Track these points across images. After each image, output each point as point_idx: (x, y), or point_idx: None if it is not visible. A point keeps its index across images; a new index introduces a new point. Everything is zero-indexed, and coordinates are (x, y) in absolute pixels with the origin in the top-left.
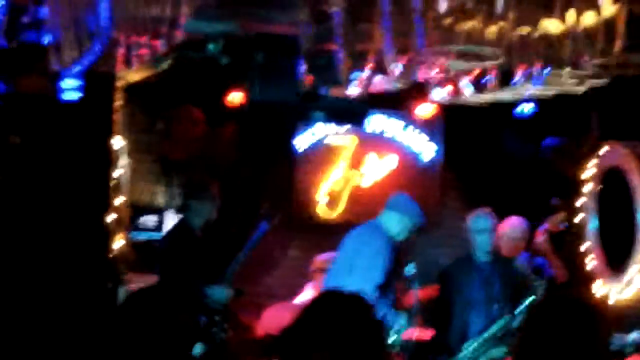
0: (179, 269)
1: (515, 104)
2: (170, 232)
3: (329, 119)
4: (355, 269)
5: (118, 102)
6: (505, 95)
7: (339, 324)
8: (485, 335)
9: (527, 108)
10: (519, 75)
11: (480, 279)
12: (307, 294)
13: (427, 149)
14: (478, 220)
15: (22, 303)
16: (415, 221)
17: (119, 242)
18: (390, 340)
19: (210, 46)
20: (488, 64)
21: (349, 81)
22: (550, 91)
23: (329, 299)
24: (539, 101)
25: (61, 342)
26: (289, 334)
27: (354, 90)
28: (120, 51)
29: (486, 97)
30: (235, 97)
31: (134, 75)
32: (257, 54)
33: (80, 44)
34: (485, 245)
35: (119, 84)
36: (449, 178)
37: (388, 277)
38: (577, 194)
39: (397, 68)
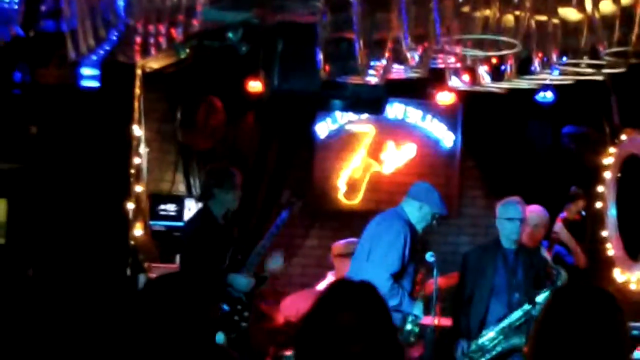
0: (200, 258)
1: (535, 91)
2: (191, 220)
3: (348, 107)
4: (372, 256)
5: (137, 91)
6: (522, 83)
7: (350, 314)
8: (505, 323)
9: (547, 95)
10: (536, 64)
11: (504, 267)
12: (328, 281)
13: (446, 137)
14: (509, 208)
15: (43, 290)
16: (436, 210)
17: (138, 231)
18: (406, 329)
19: (230, 34)
20: (505, 52)
21: (366, 70)
22: (567, 80)
23: (337, 289)
24: (558, 89)
25: (82, 329)
26: (303, 326)
27: (371, 79)
28: (137, 40)
29: (503, 86)
30: (255, 86)
31: (154, 63)
32: (277, 42)
33: (96, 33)
34: (514, 233)
35: (139, 72)
36: (468, 166)
37: (405, 265)
38: (597, 181)
39: (414, 56)
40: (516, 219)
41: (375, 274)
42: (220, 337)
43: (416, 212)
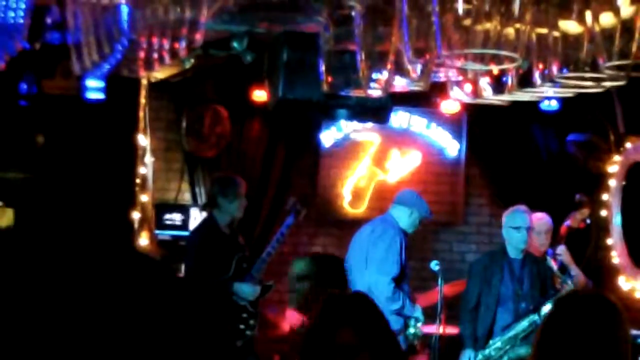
0: (204, 267)
1: (540, 99)
2: (196, 230)
3: (353, 116)
4: (371, 263)
5: (143, 100)
6: (523, 96)
7: (349, 330)
8: (511, 333)
9: (551, 103)
10: (537, 76)
11: (510, 276)
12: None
13: (451, 145)
14: (515, 217)
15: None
16: (424, 215)
17: (144, 240)
18: (409, 332)
19: (235, 44)
20: (506, 66)
21: (368, 83)
22: (568, 92)
23: (333, 305)
24: (562, 97)
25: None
26: (304, 345)
27: (373, 92)
28: (141, 55)
29: (505, 98)
30: (260, 94)
31: (159, 73)
32: (282, 51)
33: (100, 48)
34: (521, 242)
35: (144, 82)
36: (473, 174)
37: (403, 268)
38: (602, 189)
39: (415, 69)
40: (523, 227)
41: (377, 280)
42: None
43: (406, 217)
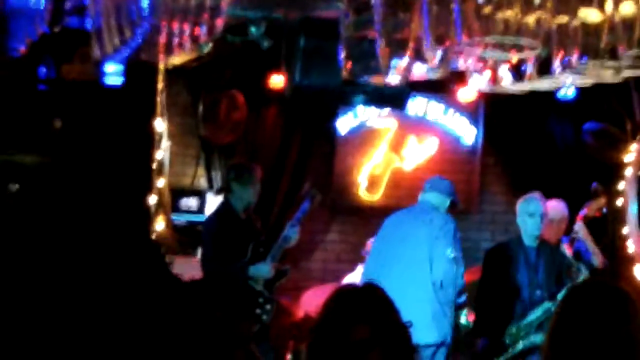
0: (221, 252)
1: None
2: (212, 215)
3: (370, 102)
4: (443, 254)
5: (160, 85)
6: (542, 84)
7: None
8: (526, 321)
9: (569, 91)
10: (556, 65)
11: (526, 264)
12: (355, 275)
13: (468, 133)
14: (529, 204)
15: (62, 285)
16: (452, 199)
17: (160, 225)
18: (462, 323)
19: (253, 30)
20: (526, 53)
21: (388, 69)
22: (587, 81)
23: (347, 299)
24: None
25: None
26: (315, 339)
27: (393, 79)
28: (162, 39)
29: (524, 86)
30: (277, 81)
31: (176, 58)
32: (300, 37)
33: (121, 33)
34: (536, 229)
35: (161, 67)
36: (489, 162)
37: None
38: (618, 178)
39: (435, 56)
40: (537, 214)
41: (457, 272)
42: None
43: (441, 203)
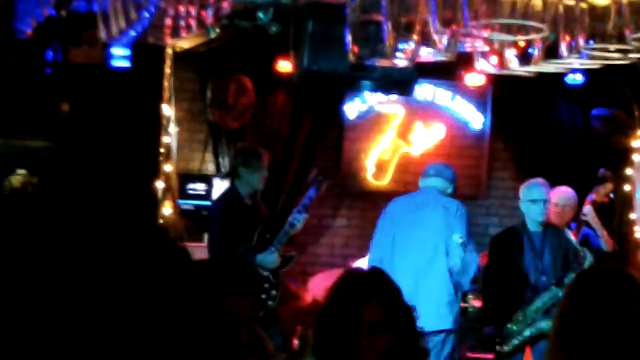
0: (227, 237)
1: (564, 73)
2: (218, 200)
3: (378, 88)
4: (453, 247)
5: (168, 70)
6: (550, 67)
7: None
8: (533, 306)
9: (576, 77)
10: (563, 48)
11: (531, 250)
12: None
13: (476, 118)
14: (533, 190)
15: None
16: (454, 186)
17: (167, 209)
18: (468, 307)
19: (261, 14)
20: (533, 36)
21: (394, 53)
22: (594, 64)
23: (356, 282)
24: (588, 71)
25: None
26: (322, 320)
27: (400, 62)
28: (168, 22)
29: (531, 69)
30: (285, 66)
31: (185, 43)
32: (307, 22)
33: (127, 15)
34: (538, 215)
35: (169, 51)
36: (497, 147)
37: None
38: (626, 164)
39: (442, 40)
40: (540, 200)
41: (475, 259)
42: None
43: (446, 192)
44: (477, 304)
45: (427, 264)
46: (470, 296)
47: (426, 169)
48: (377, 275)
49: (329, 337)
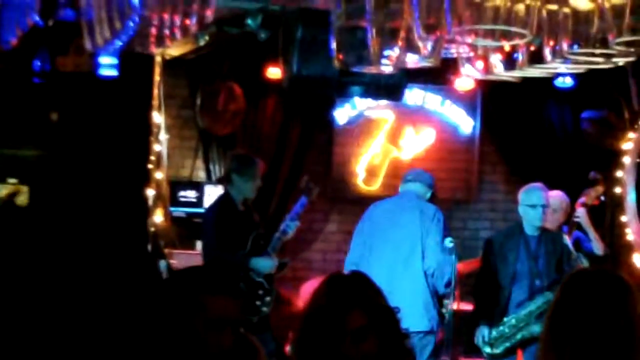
0: (221, 243)
1: (553, 76)
2: (212, 206)
3: (367, 93)
4: (436, 244)
5: (157, 77)
6: (535, 72)
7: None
8: (526, 310)
9: (565, 80)
10: (547, 53)
11: (526, 253)
12: None
13: (465, 122)
14: (531, 194)
15: (61, 278)
16: (433, 191)
17: (158, 217)
18: (448, 311)
19: (249, 21)
20: (516, 41)
21: (379, 59)
22: (578, 69)
23: (339, 286)
24: (577, 74)
25: (100, 317)
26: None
27: (385, 68)
28: (152, 31)
29: (516, 74)
30: (274, 72)
31: (174, 50)
32: (296, 28)
33: (112, 24)
34: (537, 220)
35: (158, 59)
36: (487, 151)
37: None
38: (616, 166)
39: (426, 46)
40: (539, 205)
41: (449, 261)
42: None
43: (425, 197)
44: (454, 307)
45: (402, 266)
46: (446, 301)
47: (405, 174)
48: (359, 280)
49: (313, 343)
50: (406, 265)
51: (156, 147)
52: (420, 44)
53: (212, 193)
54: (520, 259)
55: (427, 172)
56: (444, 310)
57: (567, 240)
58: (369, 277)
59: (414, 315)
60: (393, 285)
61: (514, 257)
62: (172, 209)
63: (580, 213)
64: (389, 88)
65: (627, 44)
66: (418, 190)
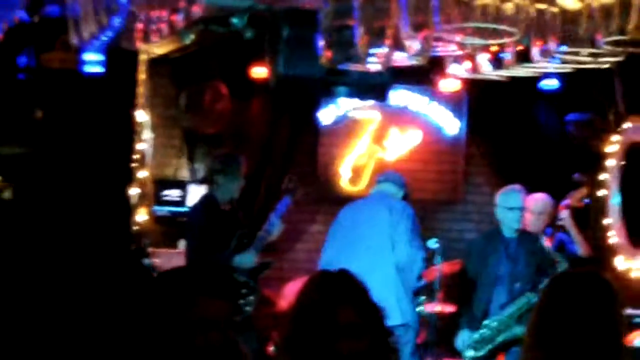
0: (204, 243)
1: (539, 78)
2: (195, 206)
3: (353, 93)
4: (403, 239)
5: (142, 76)
6: (522, 71)
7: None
8: (507, 313)
9: (551, 82)
10: (535, 52)
11: (506, 255)
12: None
13: (451, 124)
14: (509, 197)
15: (44, 276)
16: (405, 191)
17: (142, 216)
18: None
19: (235, 20)
20: (504, 40)
21: (367, 57)
22: (566, 68)
23: (327, 284)
24: (563, 76)
25: (83, 316)
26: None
27: (372, 66)
28: (139, 26)
29: (503, 73)
30: (260, 71)
31: (159, 48)
32: (283, 28)
33: (98, 20)
34: (515, 222)
35: (143, 57)
36: (473, 153)
37: None
38: (601, 169)
39: (414, 44)
40: (517, 208)
41: (416, 257)
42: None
43: (397, 196)
44: (429, 307)
45: (373, 262)
46: (422, 298)
47: (378, 177)
48: (346, 277)
49: (303, 340)
50: (377, 260)
51: (140, 146)
52: (407, 42)
53: (196, 192)
54: (501, 261)
55: (398, 173)
56: (419, 310)
57: (545, 242)
58: (355, 275)
59: (388, 309)
60: (365, 280)
61: (494, 260)
62: (156, 207)
63: (565, 215)
64: (374, 88)
65: (615, 43)
66: (389, 189)
